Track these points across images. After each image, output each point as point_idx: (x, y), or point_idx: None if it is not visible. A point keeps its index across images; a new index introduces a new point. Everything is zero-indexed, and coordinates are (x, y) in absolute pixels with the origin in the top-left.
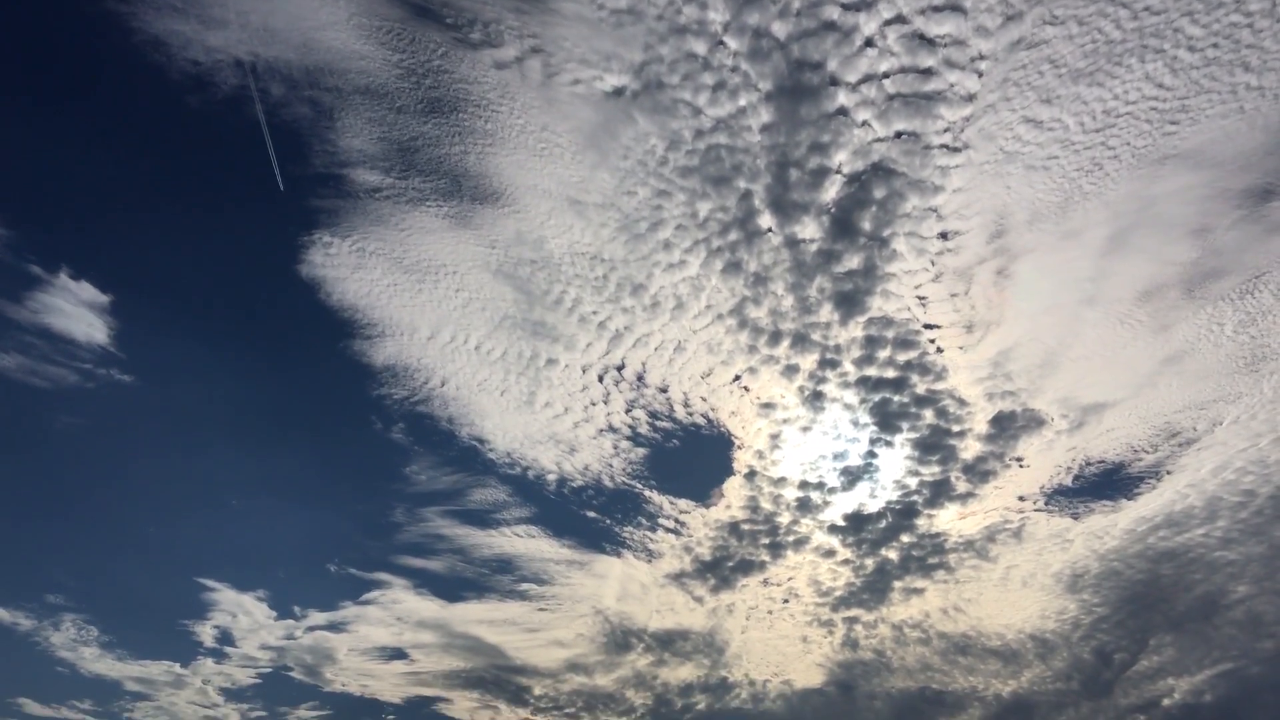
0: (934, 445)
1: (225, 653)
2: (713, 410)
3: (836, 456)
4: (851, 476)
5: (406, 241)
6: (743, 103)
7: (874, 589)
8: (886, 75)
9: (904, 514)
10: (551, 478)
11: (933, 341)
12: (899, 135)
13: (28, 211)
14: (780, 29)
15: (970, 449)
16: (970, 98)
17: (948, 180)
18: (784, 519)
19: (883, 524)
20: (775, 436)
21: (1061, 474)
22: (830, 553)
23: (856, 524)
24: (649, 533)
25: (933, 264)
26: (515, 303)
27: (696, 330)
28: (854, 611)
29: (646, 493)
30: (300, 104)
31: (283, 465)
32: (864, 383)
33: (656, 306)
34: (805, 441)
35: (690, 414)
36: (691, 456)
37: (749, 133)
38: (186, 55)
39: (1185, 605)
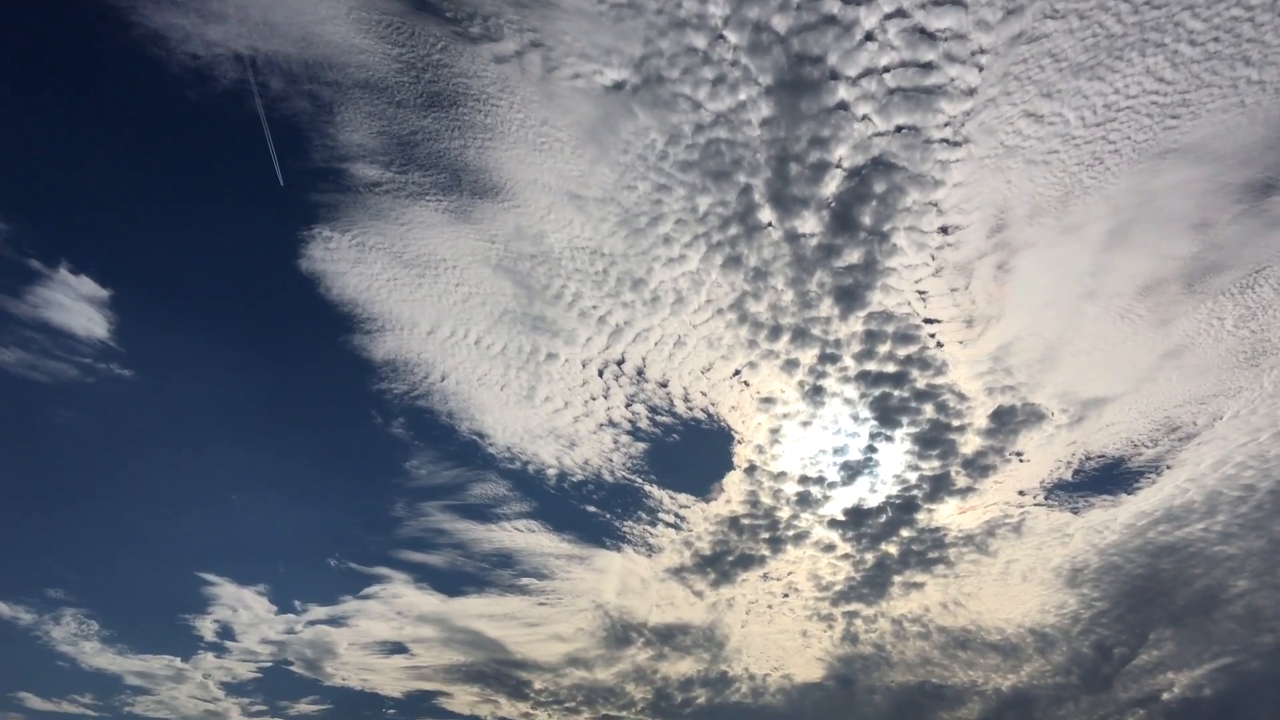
0: (934, 440)
1: (226, 647)
2: (713, 405)
3: (836, 451)
4: (851, 471)
5: (406, 236)
6: (743, 97)
7: (874, 583)
8: (887, 69)
9: (904, 509)
10: (551, 472)
11: (933, 336)
12: (899, 129)
13: (27, 206)
14: (780, 23)
15: (970, 444)
16: (971, 92)
17: (948, 175)
18: (784, 514)
19: (882, 519)
20: (775, 431)
21: (1061, 468)
22: (830, 547)
23: (856, 519)
24: (649, 527)
25: (933, 258)
26: (515, 297)
27: (696, 325)
28: (854, 606)
29: (646, 487)
30: (300, 98)
31: (283, 460)
32: (864, 377)
33: (656, 301)
34: (805, 436)
35: (690, 408)
36: (691, 451)
37: (749, 127)
38: (186, 49)
39: (1185, 600)
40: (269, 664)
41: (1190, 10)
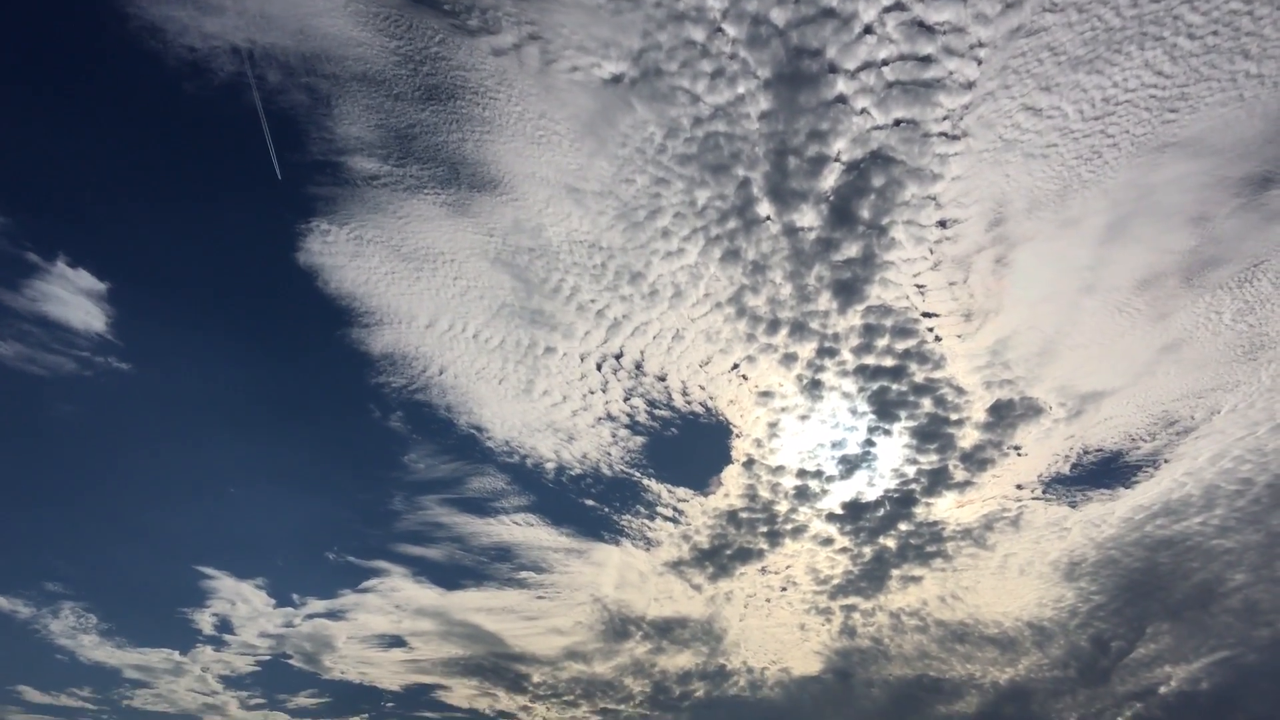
0: (932, 434)
1: (224, 640)
2: (711, 398)
3: (835, 445)
4: (850, 465)
5: (404, 229)
6: (741, 90)
7: (872, 577)
8: (885, 62)
9: (902, 502)
10: (550, 466)
11: (931, 330)
12: (898, 123)
13: (24, 199)
14: (779, 16)
15: (968, 437)
16: (969, 85)
17: (946, 168)
18: (782, 507)
19: (881, 512)
20: (773, 425)
21: (1059, 462)
22: (828, 541)
23: (854, 512)
24: (647, 521)
25: (931, 252)
26: (513, 291)
27: (695, 318)
28: (852, 599)
29: (645, 481)
30: (297, 91)
31: (281, 453)
32: (862, 371)
33: (655, 295)
34: (803, 430)
35: (689, 402)
36: (690, 445)
37: (747, 120)
38: (183, 42)
39: (1182, 593)
40: (267, 657)
41: (1189, 4)
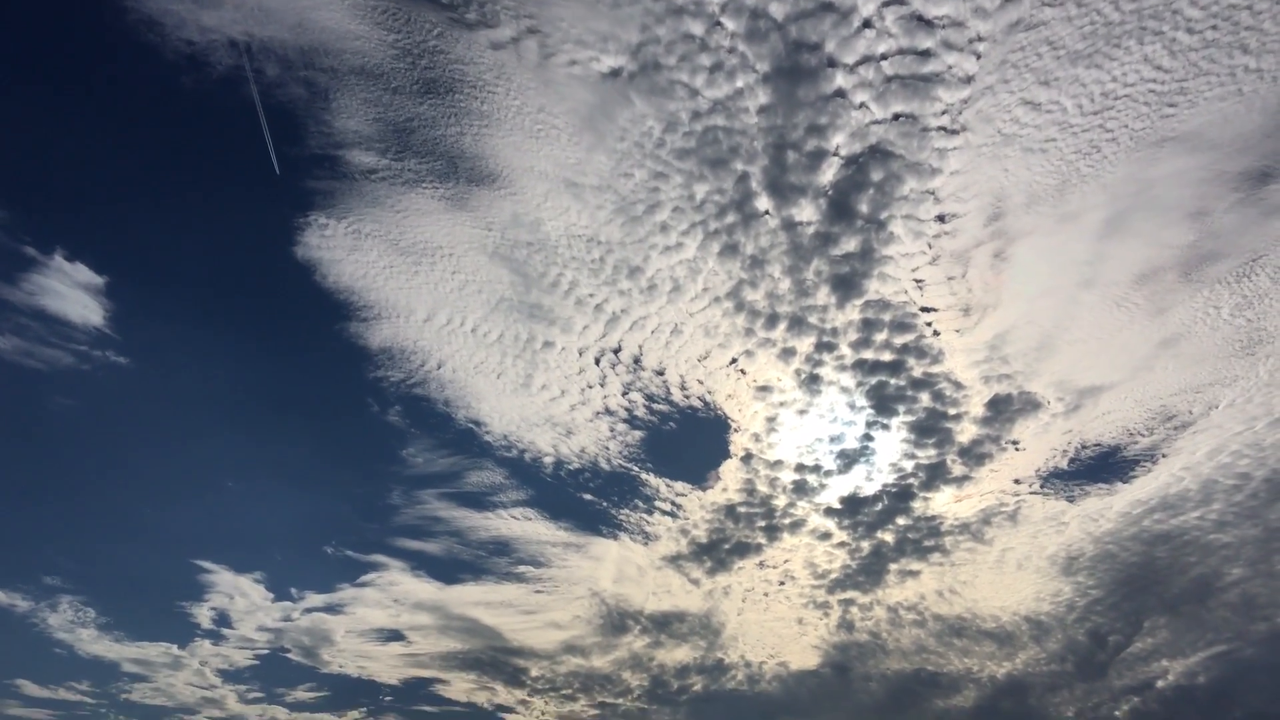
0: (930, 428)
1: (222, 634)
2: (709, 393)
3: (833, 439)
4: (848, 459)
5: (402, 223)
6: (740, 84)
7: (869, 571)
8: (884, 57)
9: (900, 497)
10: (548, 460)
11: (929, 324)
12: (897, 117)
13: (22, 192)
14: (778, 10)
15: (966, 432)
16: (968, 80)
17: (945, 163)
18: (780, 502)
19: (879, 507)
20: (772, 419)
21: (1057, 457)
22: (826, 535)
23: (852, 507)
24: (645, 515)
25: (930, 247)
26: (512, 285)
27: (693, 313)
28: (849, 594)
29: (643, 475)
30: (295, 84)
31: (279, 447)
32: (860, 366)
33: (653, 289)
34: (802, 424)
35: (687, 397)
36: (688, 439)
37: (746, 114)
38: (181, 35)
39: (1180, 588)
40: (266, 651)
41: None
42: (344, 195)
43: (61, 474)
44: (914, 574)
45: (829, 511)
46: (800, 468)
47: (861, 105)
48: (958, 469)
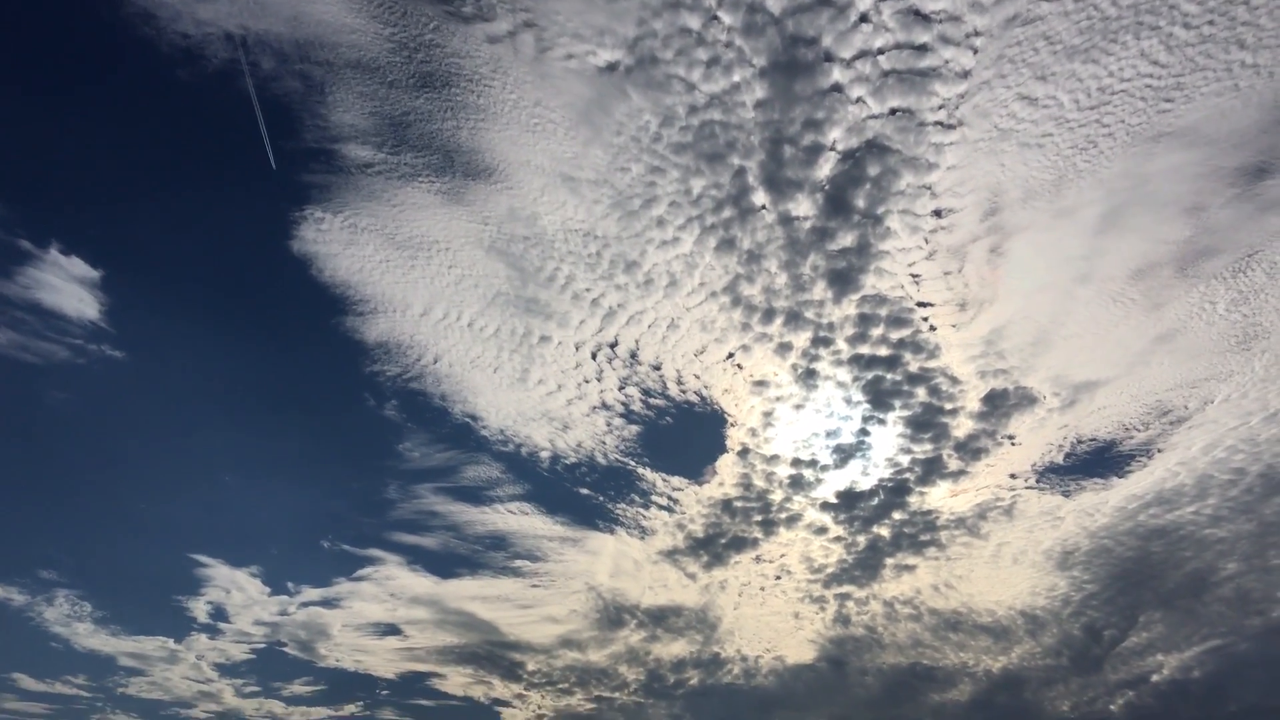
0: (926, 423)
1: (219, 628)
2: (706, 388)
3: (829, 434)
4: (844, 454)
5: (399, 217)
6: (737, 78)
7: (866, 566)
8: (881, 51)
9: (896, 491)
10: (545, 455)
11: (926, 319)
12: (893, 112)
13: (17, 186)
14: (774, 3)
15: (962, 427)
16: (965, 74)
17: (942, 157)
18: (776, 496)
19: (875, 501)
20: (768, 414)
21: (1053, 452)
22: (822, 530)
23: (849, 501)
24: (642, 510)
25: (926, 242)
26: (508, 279)
27: (690, 308)
28: (846, 588)
29: (639, 470)
30: (291, 78)
31: (276, 442)
32: (857, 360)
33: (650, 284)
34: (798, 419)
35: (683, 391)
36: (685, 434)
37: (743, 109)
38: (176, 28)
39: (1175, 582)
40: (262, 645)
41: None
42: (340, 189)
43: (57, 468)
44: (910, 568)
45: (825, 506)
46: (796, 462)
47: (858, 100)
48: (954, 464)
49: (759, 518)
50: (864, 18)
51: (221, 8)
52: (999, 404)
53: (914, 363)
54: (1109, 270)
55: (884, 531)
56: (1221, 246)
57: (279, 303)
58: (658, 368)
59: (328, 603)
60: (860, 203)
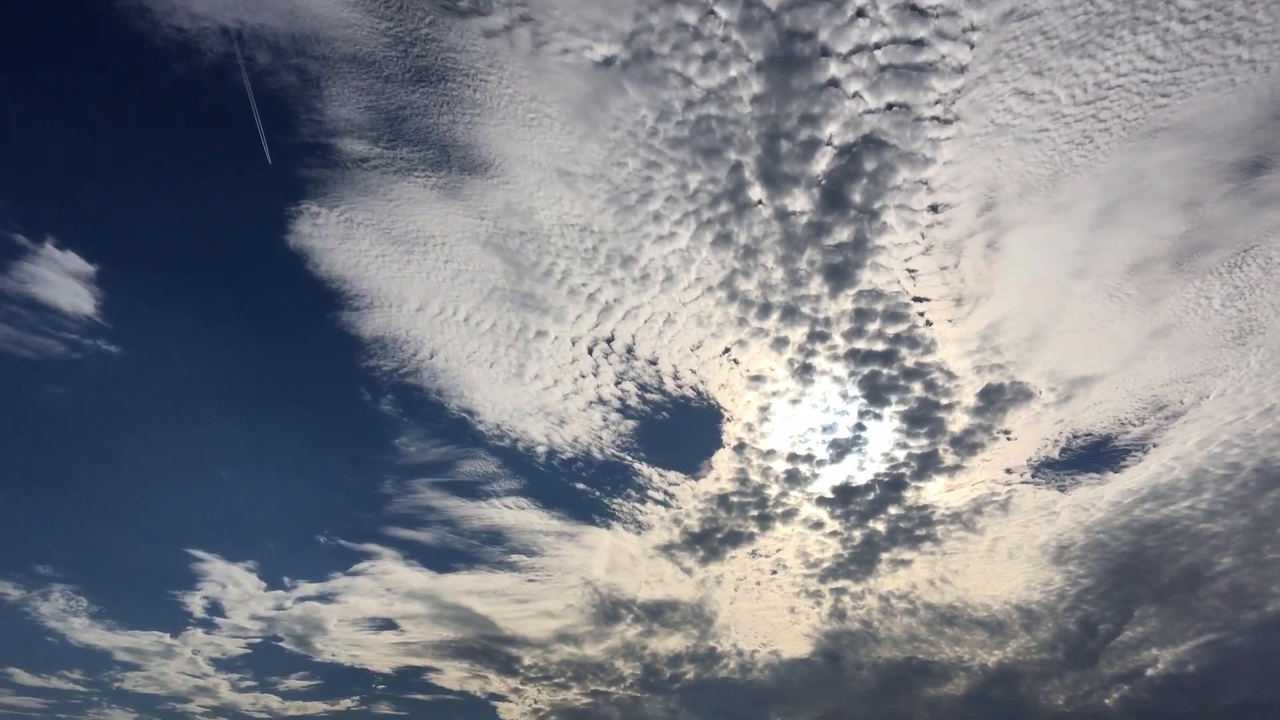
0: (922, 418)
1: (215, 623)
2: (702, 383)
3: (825, 429)
4: (840, 449)
5: (395, 212)
6: (733, 73)
7: (861, 560)
8: (878, 46)
9: (892, 486)
10: (541, 450)
11: (922, 314)
12: (890, 107)
13: (12, 181)
14: None
15: (958, 422)
16: (962, 69)
17: (938, 153)
18: (773, 491)
19: (871, 496)
20: (764, 409)
21: (1049, 446)
22: (818, 524)
23: (845, 496)
24: (638, 504)
25: (923, 237)
26: (504, 274)
27: (686, 303)
28: (841, 583)
29: (636, 465)
30: (287, 72)
31: (272, 436)
32: (853, 355)
33: (646, 279)
34: (794, 414)
35: (680, 386)
36: (681, 429)
37: (739, 104)
38: (171, 22)
39: (1170, 577)
40: (258, 640)
41: None
42: (336, 184)
43: (53, 463)
44: (906, 563)
45: (821, 501)
46: (793, 457)
47: (855, 95)
48: (949, 458)
49: (755, 513)
50: (860, 12)
51: (217, 1)
52: (995, 399)
53: (910, 358)
54: (1105, 265)
55: (880, 526)
56: (1217, 242)
57: (275, 297)
58: (654, 363)
59: (324, 597)
60: (857, 198)
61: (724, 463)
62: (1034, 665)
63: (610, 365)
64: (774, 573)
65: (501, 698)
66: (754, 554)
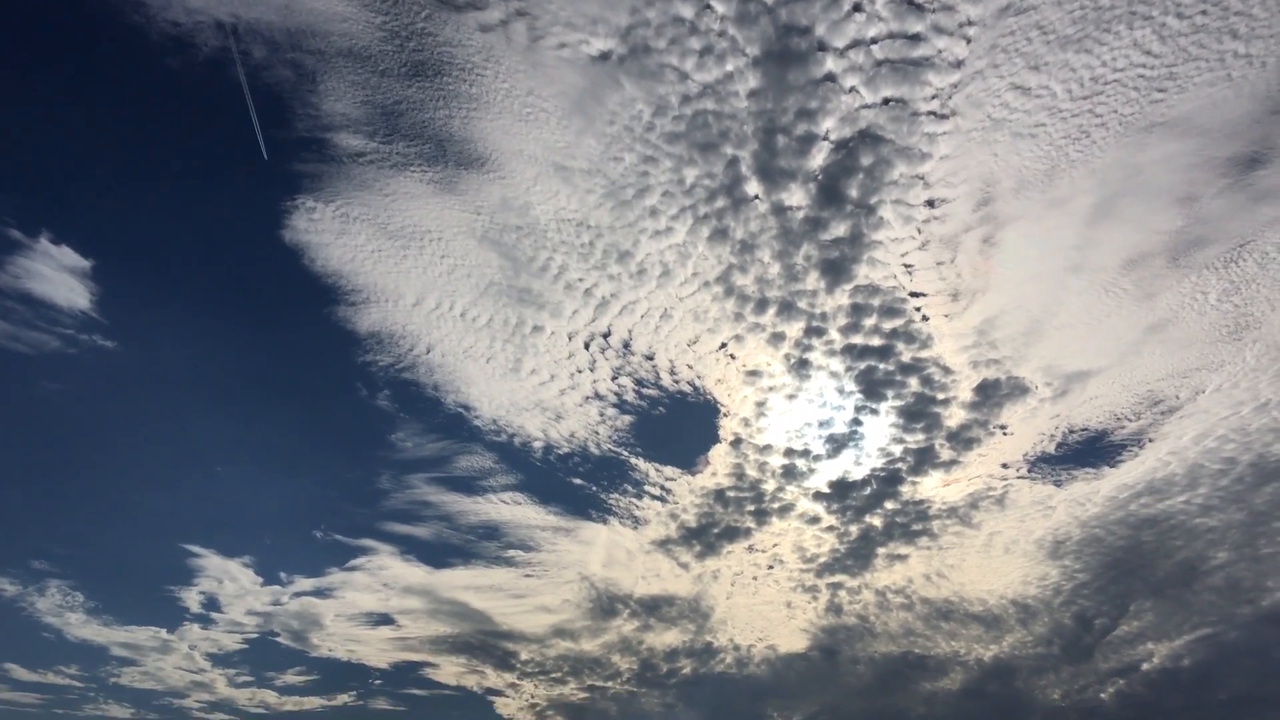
0: (919, 413)
1: (211, 618)
2: (699, 378)
3: (822, 424)
4: (837, 444)
5: (391, 207)
6: (730, 68)
7: (858, 555)
8: (874, 41)
9: (888, 481)
10: (538, 445)
11: (918, 309)
12: (886, 102)
13: (7, 176)
14: None
15: (955, 416)
16: (958, 64)
17: (935, 147)
18: (769, 486)
19: (867, 491)
20: (761, 404)
21: (1045, 441)
22: (815, 519)
23: (841, 491)
24: (635, 499)
25: (919, 232)
26: (501, 269)
27: (683, 298)
28: (838, 577)
29: (632, 460)
30: (282, 67)
31: (268, 432)
32: (850, 350)
33: (643, 274)
34: (791, 409)
35: (676, 381)
36: (678, 424)
37: (736, 98)
38: (166, 16)
39: (1165, 571)
40: (255, 635)
41: None
42: (332, 178)
43: (49, 458)
44: (902, 558)
45: (818, 496)
46: (789, 452)
47: (851, 90)
48: (946, 454)
49: (752, 507)
50: (857, 7)
51: None
52: (991, 394)
53: (906, 353)
54: (1101, 260)
55: (876, 521)
56: (1213, 236)
57: (271, 293)
58: (650, 358)
59: (320, 593)
60: (853, 192)
61: (720, 458)
62: (1030, 660)
63: (607, 360)
64: (770, 568)
65: (498, 693)
66: (750, 549)
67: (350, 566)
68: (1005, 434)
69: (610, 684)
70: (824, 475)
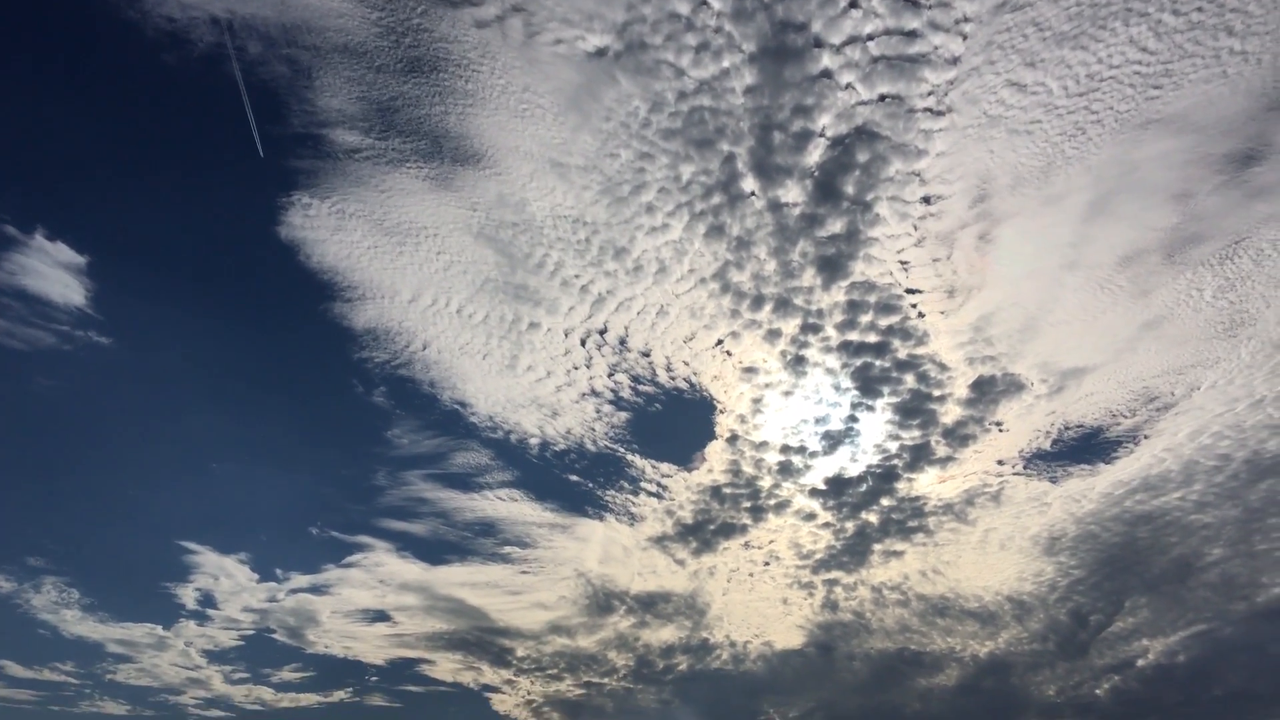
0: (914, 410)
1: (207, 615)
2: (695, 374)
3: (818, 421)
4: (833, 441)
5: (387, 203)
6: (726, 64)
7: (854, 552)
8: (871, 37)
9: (884, 478)
10: (534, 441)
11: (914, 306)
12: (883, 98)
13: (1, 172)
14: None
15: (950, 413)
16: (954, 61)
17: (931, 144)
18: (765, 483)
19: (863, 487)
20: (757, 401)
21: (1040, 438)
22: (811, 516)
23: (837, 488)
24: (631, 496)
25: (915, 228)
26: (497, 266)
27: (679, 294)
28: (834, 574)
29: (629, 456)
30: (278, 62)
31: (264, 428)
32: (846, 347)
33: (639, 270)
34: (787, 406)
35: (673, 378)
36: (674, 420)
37: (732, 95)
38: (162, 12)
39: (1160, 568)
40: (251, 632)
41: None
42: (328, 175)
43: (44, 455)
44: (898, 554)
45: (814, 492)
46: (785, 449)
47: (848, 86)
48: (942, 450)
49: (748, 504)
50: (853, 3)
51: None
52: (987, 391)
53: (903, 349)
54: (1097, 257)
55: (872, 518)
56: (1209, 233)
57: (266, 289)
58: (647, 354)
59: (316, 589)
60: (849, 189)
61: (717, 454)
62: (1025, 656)
63: (603, 357)
64: (767, 564)
65: (495, 689)
66: (747, 545)
67: (346, 563)
68: (1001, 430)
69: (606, 680)
70: (820, 472)
